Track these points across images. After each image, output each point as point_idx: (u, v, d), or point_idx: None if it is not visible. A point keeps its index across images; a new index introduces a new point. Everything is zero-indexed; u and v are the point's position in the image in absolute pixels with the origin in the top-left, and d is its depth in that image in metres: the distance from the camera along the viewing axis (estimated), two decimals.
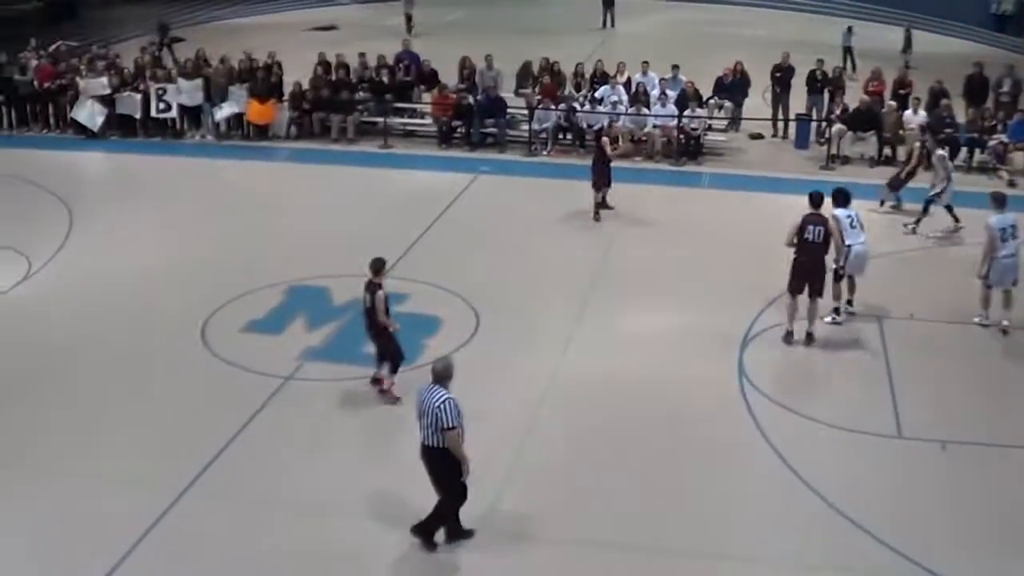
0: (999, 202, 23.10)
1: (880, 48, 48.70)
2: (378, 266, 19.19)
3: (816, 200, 21.66)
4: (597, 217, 28.38)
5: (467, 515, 15.83)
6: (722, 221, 28.78)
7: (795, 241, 21.54)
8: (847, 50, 45.86)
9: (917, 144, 31.18)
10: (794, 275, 21.72)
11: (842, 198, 22.57)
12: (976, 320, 22.89)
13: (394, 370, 19.42)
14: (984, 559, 15.93)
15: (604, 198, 28.66)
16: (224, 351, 21.32)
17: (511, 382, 20.30)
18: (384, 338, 19.32)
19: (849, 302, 22.69)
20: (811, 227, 21.29)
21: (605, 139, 29.35)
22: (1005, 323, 22.76)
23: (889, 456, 18.66)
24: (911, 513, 16.97)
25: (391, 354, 19.41)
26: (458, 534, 15.78)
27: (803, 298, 21.78)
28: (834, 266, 22.29)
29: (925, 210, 28.16)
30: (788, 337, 21.86)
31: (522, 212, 28.82)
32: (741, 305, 23.46)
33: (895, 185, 30.19)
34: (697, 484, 17.48)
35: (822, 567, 15.80)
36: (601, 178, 28.45)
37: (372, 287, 19.00)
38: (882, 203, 30.17)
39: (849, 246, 22.20)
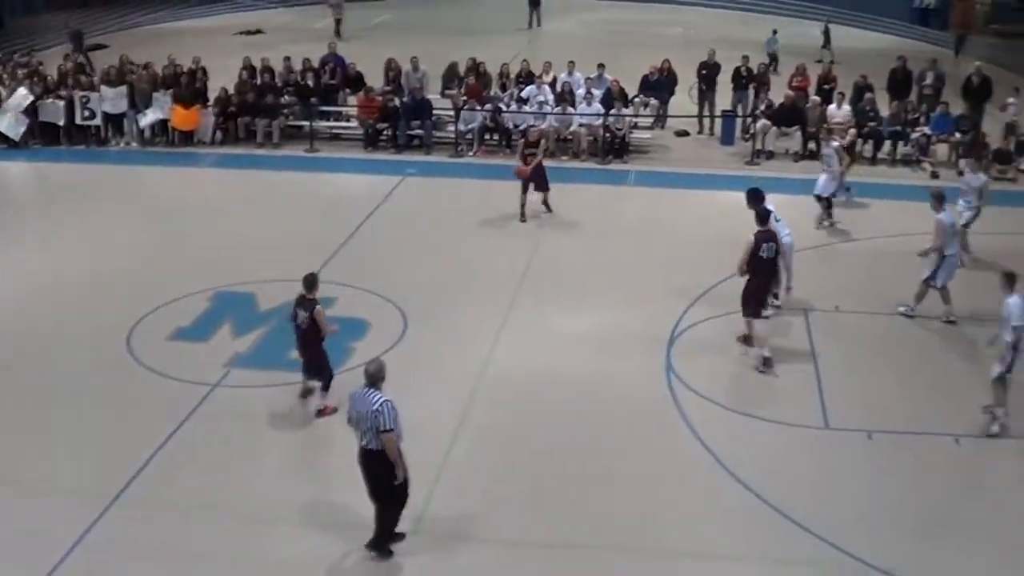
0: (941, 200, 23.16)
1: (803, 44, 49.16)
2: (311, 281, 18.83)
3: (764, 217, 21.23)
4: (523, 218, 28.35)
5: (405, 515, 15.82)
6: (649, 219, 28.93)
7: (748, 263, 21.01)
8: (772, 56, 45.93)
9: (852, 131, 31.69)
10: (754, 297, 21.24)
11: (758, 197, 22.55)
12: (902, 310, 23.10)
13: (327, 388, 19.19)
14: (910, 546, 16.12)
15: (545, 200, 28.71)
16: (151, 360, 21.13)
17: (439, 383, 20.28)
18: (320, 357, 19.05)
19: (775, 295, 22.72)
20: (764, 245, 20.87)
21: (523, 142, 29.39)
22: (952, 317, 23.08)
23: (817, 447, 18.84)
24: (839, 503, 17.16)
25: (325, 374, 19.16)
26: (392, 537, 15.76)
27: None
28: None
29: (829, 204, 28.35)
30: (768, 363, 21.12)
31: (449, 213, 28.82)
32: (668, 301, 23.58)
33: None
34: (627, 480, 17.55)
35: (753, 558, 15.91)
36: (540, 180, 28.42)
37: (308, 303, 18.67)
38: (848, 191, 30.57)
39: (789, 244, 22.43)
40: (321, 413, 19.02)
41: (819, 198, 28.10)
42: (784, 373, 20.81)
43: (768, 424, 19.37)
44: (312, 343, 18.85)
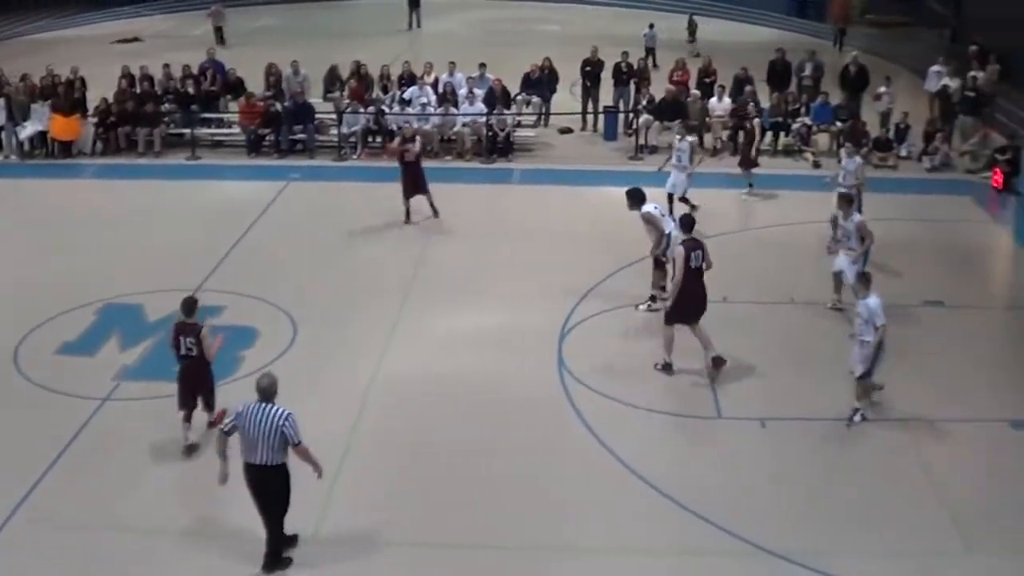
0: (851, 202, 23.50)
1: (680, 38, 49.61)
2: (191, 306, 17.97)
3: (689, 225, 20.96)
4: (408, 220, 28.26)
5: (299, 525, 15.81)
6: (535, 216, 29.04)
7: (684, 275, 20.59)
8: (649, 50, 46.12)
9: (756, 121, 32.26)
10: (681, 306, 20.72)
11: (640, 195, 23.03)
12: (830, 305, 23.47)
13: (212, 407, 18.33)
14: (808, 531, 16.43)
15: (431, 203, 28.51)
16: (38, 375, 20.80)
17: (332, 389, 20.24)
18: (207, 384, 18.21)
19: (663, 288, 22.87)
20: (693, 254, 20.52)
21: (392, 145, 29.23)
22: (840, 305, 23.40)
23: (711, 437, 19.14)
24: (736, 491, 17.41)
25: (213, 401, 18.33)
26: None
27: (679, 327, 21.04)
28: (659, 255, 22.84)
29: (683, 199, 27.98)
30: (668, 369, 20.93)
31: (335, 217, 28.65)
32: (557, 298, 23.70)
33: (749, 164, 31.20)
34: (526, 479, 17.63)
35: (653, 552, 16.08)
36: (415, 183, 28.14)
37: (191, 328, 17.86)
38: (750, 187, 31.17)
39: (668, 234, 22.51)
40: (213, 424, 18.36)
41: (671, 197, 27.82)
42: (675, 365, 20.96)
43: (662, 416, 19.60)
44: (202, 372, 18.06)
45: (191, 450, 18.11)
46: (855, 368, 18.99)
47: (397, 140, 28.86)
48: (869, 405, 19.24)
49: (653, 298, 23.21)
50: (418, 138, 29.12)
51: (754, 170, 31.09)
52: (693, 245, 20.61)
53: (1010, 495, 17.41)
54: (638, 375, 20.97)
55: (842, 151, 27.20)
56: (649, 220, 22.73)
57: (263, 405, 14.76)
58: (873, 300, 18.67)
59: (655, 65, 43.56)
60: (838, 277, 23.04)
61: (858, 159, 27.04)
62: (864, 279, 19.32)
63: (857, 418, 19.10)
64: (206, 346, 17.81)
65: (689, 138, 28.71)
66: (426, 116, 34.48)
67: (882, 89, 36.21)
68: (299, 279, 24.75)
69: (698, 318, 20.78)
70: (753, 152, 31.52)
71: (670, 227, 22.59)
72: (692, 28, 50.52)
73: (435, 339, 22.30)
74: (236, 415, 14.98)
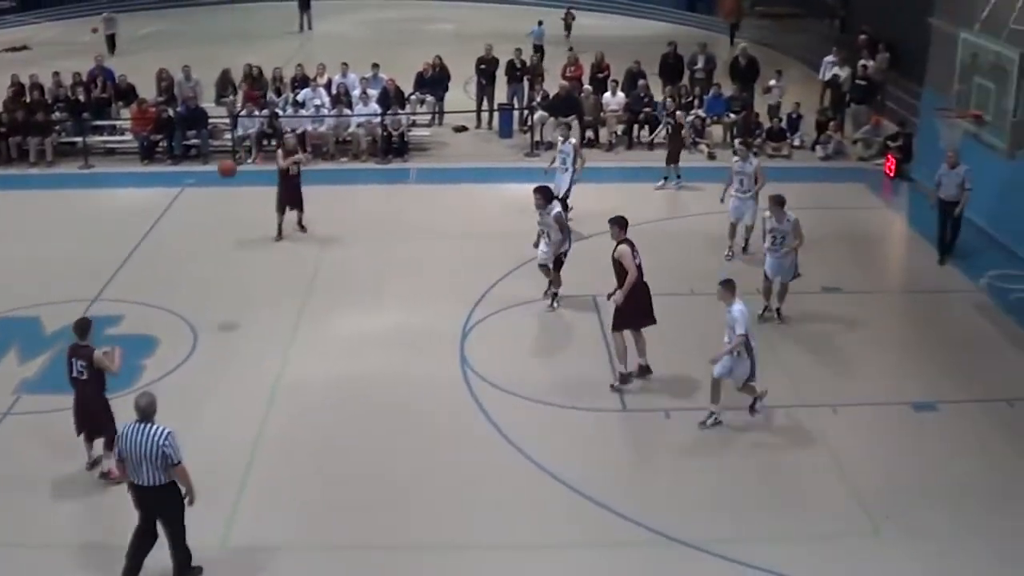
0: (782, 203, 23.15)
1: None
2: (84, 327, 17.07)
3: (624, 224, 20.52)
4: (279, 237, 27.32)
5: (206, 534, 15.59)
6: (432, 216, 29.01)
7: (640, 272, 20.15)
8: (538, 47, 46.11)
9: (680, 115, 32.55)
10: (638, 309, 20.20)
11: (551, 194, 23.22)
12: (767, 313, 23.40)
13: (112, 445, 16.59)
14: (715, 519, 16.55)
15: (300, 219, 27.78)
16: None
17: (235, 395, 20.05)
18: (103, 411, 17.18)
19: (555, 293, 23.38)
20: (635, 250, 20.22)
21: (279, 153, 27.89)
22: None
23: (617, 430, 19.25)
24: (645, 483, 17.61)
25: (110, 429, 16.99)
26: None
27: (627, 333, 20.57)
28: (558, 256, 22.98)
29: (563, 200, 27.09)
30: (627, 380, 20.29)
31: (232, 223, 28.35)
32: (458, 297, 23.73)
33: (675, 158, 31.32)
34: (433, 478, 17.59)
35: (562, 545, 16.11)
36: (292, 197, 27.43)
37: (83, 352, 17.00)
38: (665, 180, 31.33)
39: (570, 232, 22.94)
40: (105, 476, 17.28)
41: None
42: (578, 359, 21.04)
43: (567, 411, 19.60)
44: (94, 396, 17.11)
45: (95, 464, 17.70)
46: (713, 368, 18.80)
47: (280, 153, 27.76)
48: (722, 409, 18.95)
49: (555, 296, 23.45)
50: (300, 151, 28.29)
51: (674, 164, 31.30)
52: (632, 243, 20.31)
53: (915, 476, 17.68)
54: (541, 371, 21.02)
55: (735, 158, 26.43)
56: (559, 220, 22.65)
57: (142, 425, 14.37)
58: (737, 308, 18.53)
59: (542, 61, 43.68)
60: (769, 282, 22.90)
61: (754, 160, 26.41)
62: (729, 286, 18.83)
63: (710, 421, 18.88)
64: (104, 366, 16.95)
65: (572, 140, 28.42)
66: (320, 118, 34.29)
67: (772, 82, 36.65)
68: (198, 286, 24.47)
69: (648, 321, 20.49)
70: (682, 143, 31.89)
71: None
72: (568, 23, 50.52)
73: (337, 342, 22.19)
74: (117, 438, 14.69)
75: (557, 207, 23.00)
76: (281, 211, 27.16)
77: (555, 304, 23.38)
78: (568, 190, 27.42)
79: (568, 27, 50.58)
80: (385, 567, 15.67)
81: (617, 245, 20.21)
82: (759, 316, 22.35)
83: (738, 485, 17.38)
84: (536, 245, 23.45)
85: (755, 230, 25.49)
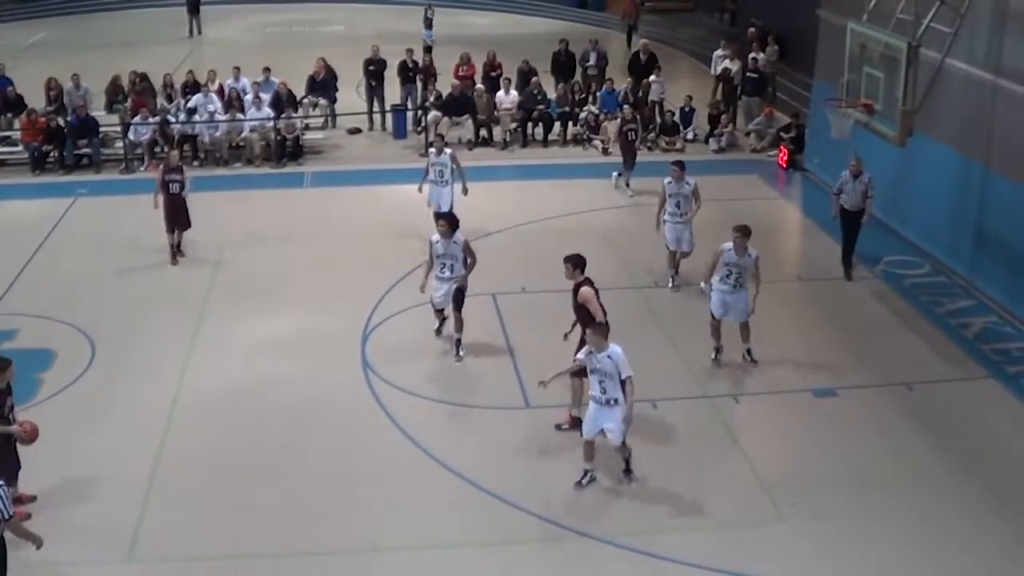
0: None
1: (462, 33, 49.78)
2: (2, 366, 16.02)
3: (584, 264, 19.18)
4: (175, 261, 26.33)
5: (111, 548, 15.64)
6: (329, 219, 28.91)
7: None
8: (428, 48, 45.99)
9: (628, 110, 32.52)
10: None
11: (455, 220, 21.52)
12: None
13: (13, 482, 15.94)
14: (622, 512, 16.70)
15: (180, 242, 26.48)
16: None
17: (135, 407, 19.79)
18: (7, 453, 16.08)
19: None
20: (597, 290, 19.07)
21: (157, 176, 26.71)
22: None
23: (520, 427, 19.23)
24: (548, 478, 17.58)
25: (10, 469, 15.89)
26: None
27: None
28: (460, 286, 21.17)
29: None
30: (578, 424, 18.22)
31: (127, 231, 27.96)
32: (357, 299, 23.68)
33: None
34: (338, 481, 17.53)
35: (468, 543, 16.14)
36: (177, 216, 26.32)
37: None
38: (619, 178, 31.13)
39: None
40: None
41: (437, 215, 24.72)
42: (480, 358, 21.03)
43: (470, 410, 19.67)
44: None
45: None
46: (614, 435, 16.88)
47: (161, 168, 26.87)
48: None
49: (459, 340, 21.49)
50: (185, 170, 26.97)
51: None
52: (592, 283, 19.10)
53: (818, 462, 17.91)
54: (443, 370, 21.02)
55: (667, 179, 24.25)
56: (467, 249, 21.13)
57: None
58: (616, 350, 16.70)
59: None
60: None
61: (691, 180, 24.23)
62: (601, 328, 17.13)
63: (586, 480, 17.28)
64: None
65: (448, 150, 26.72)
66: (213, 123, 34.00)
67: (652, 78, 36.78)
68: (94, 297, 24.16)
69: None
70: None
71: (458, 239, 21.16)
72: (428, 20, 50.45)
73: (237, 348, 22.02)
74: None
75: (463, 235, 21.17)
76: (170, 231, 26.32)
77: (461, 353, 21.38)
78: (451, 204, 26.03)
79: (429, 23, 50.36)
80: (296, 573, 15.57)
81: (578, 287, 18.87)
82: (712, 360, 21.11)
83: (643, 477, 17.45)
84: (423, 289, 21.61)
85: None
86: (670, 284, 24.32)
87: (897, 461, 18.03)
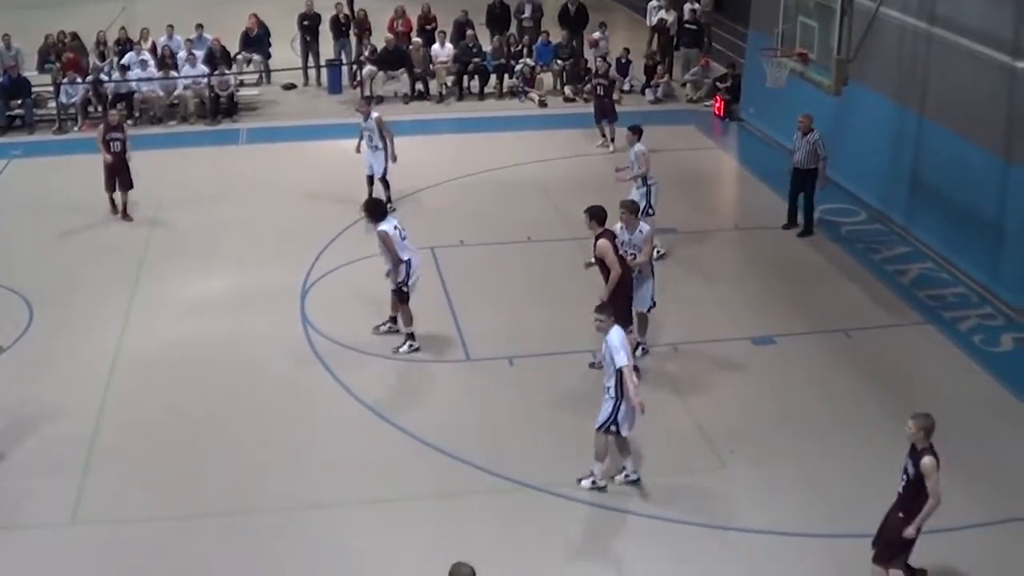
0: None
1: None
2: None
3: (602, 216, 18.49)
4: (121, 215, 26.33)
5: (55, 510, 15.68)
6: (266, 175, 28.76)
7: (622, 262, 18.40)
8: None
9: (613, 73, 32.98)
10: (627, 304, 18.46)
11: (381, 209, 20.20)
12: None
13: None
14: (564, 463, 16.66)
15: (125, 205, 26.39)
16: None
17: (75, 368, 19.69)
18: None
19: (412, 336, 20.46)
20: (616, 243, 18.48)
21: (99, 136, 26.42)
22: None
23: (462, 379, 19.37)
24: (491, 430, 17.77)
25: None
26: None
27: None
28: (397, 286, 19.82)
29: (383, 180, 25.87)
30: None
31: (62, 192, 27.71)
32: (295, 256, 23.66)
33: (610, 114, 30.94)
34: (280, 439, 17.52)
35: (413, 496, 16.20)
36: (119, 176, 26.18)
37: None
38: (604, 138, 30.89)
39: (408, 261, 19.67)
40: None
41: (371, 179, 25.79)
42: (420, 312, 20.98)
43: (412, 364, 19.68)
44: None
45: None
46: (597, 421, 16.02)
47: (101, 127, 26.80)
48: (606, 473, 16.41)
49: (412, 336, 20.18)
50: (126, 128, 27.09)
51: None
52: (612, 235, 18.47)
53: (757, 410, 18.11)
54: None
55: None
56: (384, 241, 19.52)
57: None
58: (611, 335, 15.66)
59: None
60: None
61: (639, 146, 23.49)
62: (603, 308, 16.12)
63: (586, 483, 16.20)
64: None
65: (374, 114, 25.84)
66: (147, 81, 33.68)
67: (597, 35, 36.73)
68: (31, 259, 23.93)
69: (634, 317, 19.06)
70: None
71: (408, 253, 19.71)
72: None
73: (176, 307, 21.90)
74: None
75: (383, 225, 19.52)
76: (111, 190, 26.22)
77: (407, 346, 20.08)
78: (385, 168, 25.71)
79: None
80: (242, 531, 15.52)
81: (596, 239, 18.26)
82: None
83: (583, 428, 17.44)
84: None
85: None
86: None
87: (836, 407, 18.24)
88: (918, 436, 13.22)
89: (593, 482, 16.16)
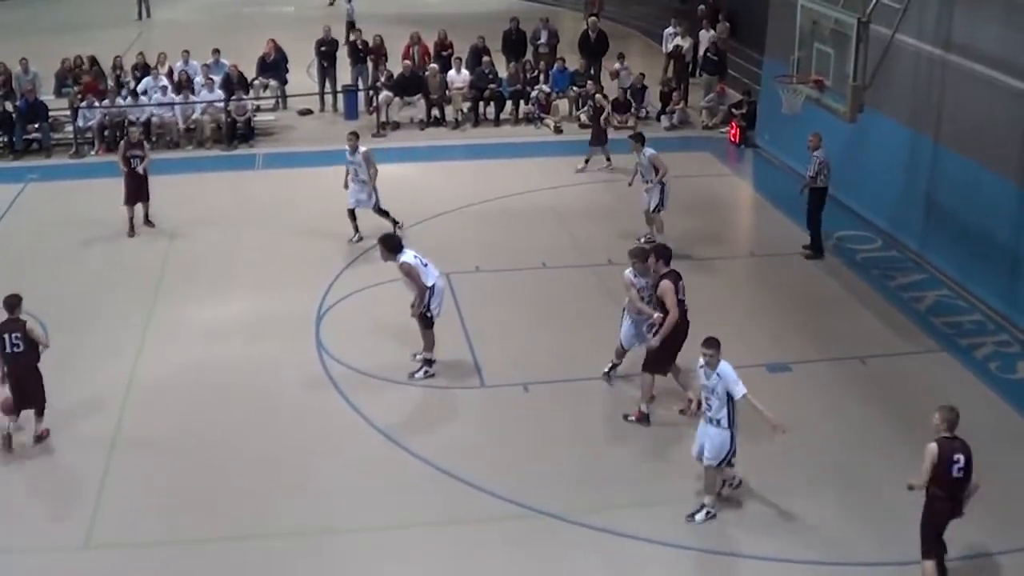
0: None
1: (411, 12, 49.62)
2: (14, 303, 17.88)
3: (668, 255, 18.56)
4: (132, 233, 26.79)
5: (68, 534, 15.65)
6: (281, 201, 28.77)
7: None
8: (351, 24, 45.81)
9: (600, 97, 32.66)
10: (669, 350, 18.34)
11: (396, 243, 20.03)
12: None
13: (42, 412, 18.02)
14: (579, 490, 16.73)
15: (147, 214, 27.18)
16: None
17: (91, 393, 19.70)
18: (38, 379, 17.87)
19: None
20: (679, 285, 18.34)
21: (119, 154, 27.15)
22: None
23: (476, 406, 19.33)
24: (506, 457, 17.71)
25: (41, 397, 17.96)
26: None
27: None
28: (423, 312, 19.77)
29: (379, 212, 25.81)
30: (645, 420, 18.45)
31: (79, 216, 27.78)
32: (311, 281, 23.68)
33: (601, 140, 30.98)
34: (295, 464, 17.53)
35: (428, 522, 16.15)
36: (139, 190, 26.88)
37: (16, 325, 17.66)
38: (586, 162, 30.93)
39: (432, 287, 19.74)
40: (40, 439, 17.94)
41: (353, 213, 25.81)
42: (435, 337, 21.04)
43: (426, 390, 19.66)
44: (31, 367, 17.73)
45: (7, 440, 17.79)
46: (707, 457, 15.92)
47: (122, 144, 27.50)
48: (717, 501, 16.39)
49: (429, 362, 20.23)
50: (146, 145, 27.84)
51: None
52: (676, 276, 18.37)
53: (771, 437, 17.92)
54: (398, 352, 20.94)
55: (635, 153, 25.20)
56: (408, 273, 19.58)
57: None
58: (725, 368, 15.77)
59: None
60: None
61: (648, 151, 25.08)
62: (714, 344, 15.99)
63: (700, 516, 16.09)
64: (37, 336, 17.92)
65: (362, 148, 25.69)
66: (164, 105, 33.76)
67: (617, 66, 36.71)
68: (47, 283, 23.85)
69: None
70: (603, 125, 31.36)
71: (433, 279, 19.76)
72: None
73: (191, 332, 21.93)
74: None
75: (403, 257, 19.56)
76: (130, 204, 26.68)
77: (423, 372, 20.17)
78: (376, 199, 25.61)
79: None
80: (255, 556, 15.53)
81: (660, 279, 18.14)
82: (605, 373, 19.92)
83: (599, 454, 17.54)
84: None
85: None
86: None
87: (851, 435, 18.17)
88: (941, 427, 13.77)
89: (707, 512, 16.07)
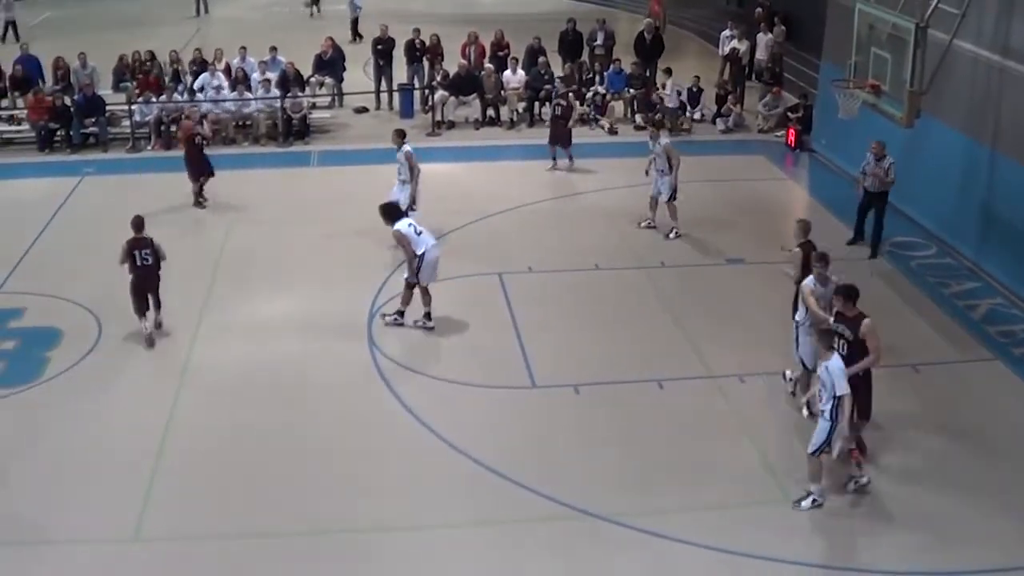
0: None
1: (468, 12, 49.64)
2: (139, 223, 21.49)
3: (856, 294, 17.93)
4: (201, 204, 28.29)
5: (119, 525, 15.79)
6: (335, 198, 28.80)
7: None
8: (354, 22, 45.83)
9: (571, 96, 32.89)
10: (864, 387, 17.23)
11: (395, 211, 21.74)
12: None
13: (160, 305, 21.37)
14: (628, 492, 16.71)
15: (202, 188, 28.39)
16: None
17: (143, 384, 19.90)
18: (158, 286, 21.35)
19: (427, 315, 21.76)
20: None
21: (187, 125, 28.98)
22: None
23: (527, 406, 19.29)
24: (556, 458, 17.67)
25: (158, 295, 21.47)
26: None
27: None
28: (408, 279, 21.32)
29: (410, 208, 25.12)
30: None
31: (133, 210, 27.41)
32: (364, 278, 23.72)
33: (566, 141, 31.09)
34: (345, 461, 17.58)
35: (477, 522, 16.19)
36: (198, 167, 28.45)
37: (145, 243, 21.10)
38: (554, 160, 31.09)
39: (422, 255, 21.14)
40: (159, 325, 21.52)
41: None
42: (486, 338, 21.05)
43: (477, 389, 19.67)
44: (155, 276, 21.33)
45: (151, 340, 21.09)
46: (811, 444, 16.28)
47: (183, 124, 28.72)
48: (825, 490, 16.52)
49: (400, 313, 21.84)
50: (206, 121, 29.55)
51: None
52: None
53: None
54: (450, 350, 21.02)
55: (650, 139, 26.20)
56: (399, 240, 21.31)
57: None
58: (834, 362, 16.03)
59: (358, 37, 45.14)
60: None
61: (664, 139, 26.04)
62: (824, 336, 16.43)
63: (806, 503, 16.36)
64: (161, 252, 21.34)
65: (406, 147, 25.72)
66: (220, 101, 33.95)
67: (666, 90, 36.17)
68: (101, 275, 23.92)
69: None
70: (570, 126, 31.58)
71: (425, 246, 21.17)
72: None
73: (244, 327, 22.06)
74: None
75: (397, 225, 21.24)
76: (195, 179, 28.06)
77: (394, 319, 21.86)
78: (411, 204, 25.10)
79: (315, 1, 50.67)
80: (303, 552, 15.59)
81: (863, 318, 17.33)
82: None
83: (648, 457, 17.50)
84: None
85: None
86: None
87: (903, 442, 18.04)
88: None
89: (813, 500, 16.30)
